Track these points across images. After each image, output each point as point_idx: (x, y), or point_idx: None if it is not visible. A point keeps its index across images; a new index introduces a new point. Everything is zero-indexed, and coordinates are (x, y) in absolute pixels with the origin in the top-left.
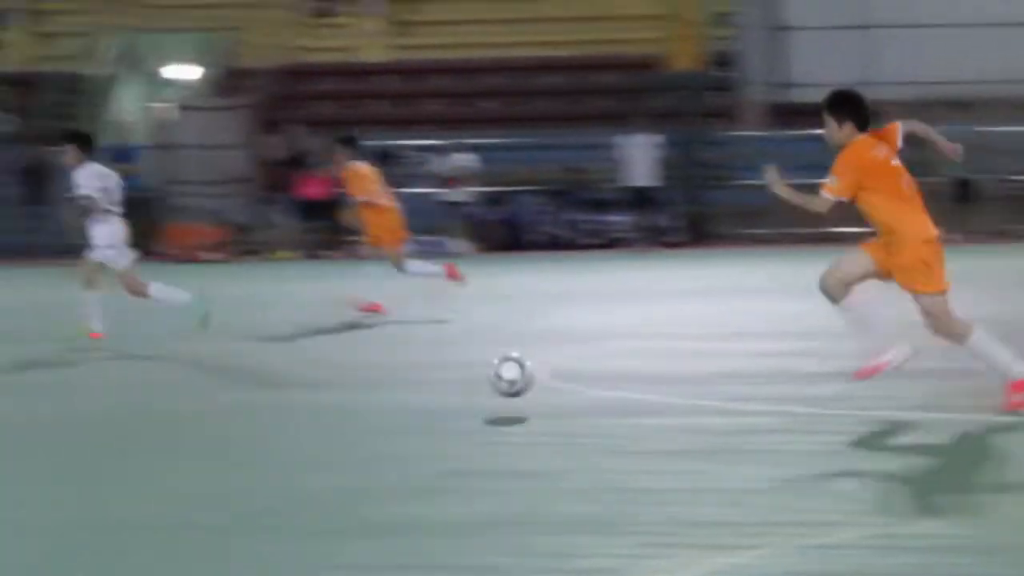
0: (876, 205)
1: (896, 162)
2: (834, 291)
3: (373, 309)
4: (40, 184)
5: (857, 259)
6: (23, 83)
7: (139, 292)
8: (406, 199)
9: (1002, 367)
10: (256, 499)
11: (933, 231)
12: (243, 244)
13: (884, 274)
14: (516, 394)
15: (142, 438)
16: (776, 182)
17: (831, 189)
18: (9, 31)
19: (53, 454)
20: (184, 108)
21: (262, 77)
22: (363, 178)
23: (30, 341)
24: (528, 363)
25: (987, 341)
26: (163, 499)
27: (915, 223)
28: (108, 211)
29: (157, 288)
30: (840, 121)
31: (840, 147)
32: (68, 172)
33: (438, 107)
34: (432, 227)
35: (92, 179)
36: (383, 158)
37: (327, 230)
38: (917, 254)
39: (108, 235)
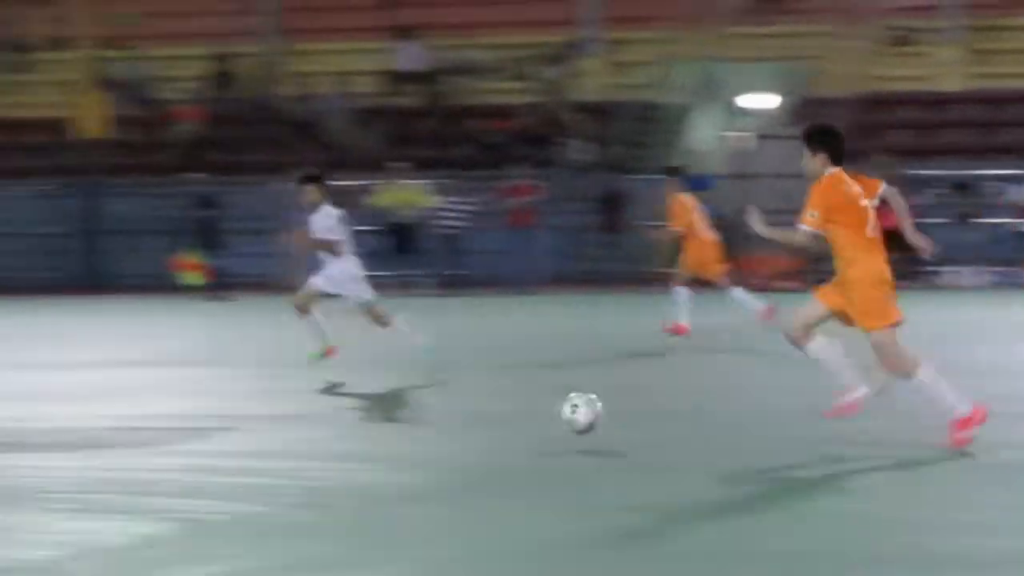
0: (839, 240)
1: (866, 203)
2: (796, 337)
3: (677, 331)
4: (615, 212)
5: (813, 305)
6: (600, 112)
7: (384, 323)
8: (983, 229)
9: (947, 404)
10: None
11: (887, 274)
12: (817, 273)
13: (840, 314)
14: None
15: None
16: (757, 222)
17: (808, 222)
18: (587, 60)
19: None
20: (761, 137)
21: (839, 106)
22: (685, 209)
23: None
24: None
25: (933, 379)
26: None
27: (870, 264)
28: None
29: (401, 320)
30: (814, 151)
31: (814, 179)
32: (306, 212)
33: (1017, 136)
34: (1009, 258)
35: (331, 220)
36: (960, 188)
37: (900, 260)
38: (867, 293)
39: (348, 271)
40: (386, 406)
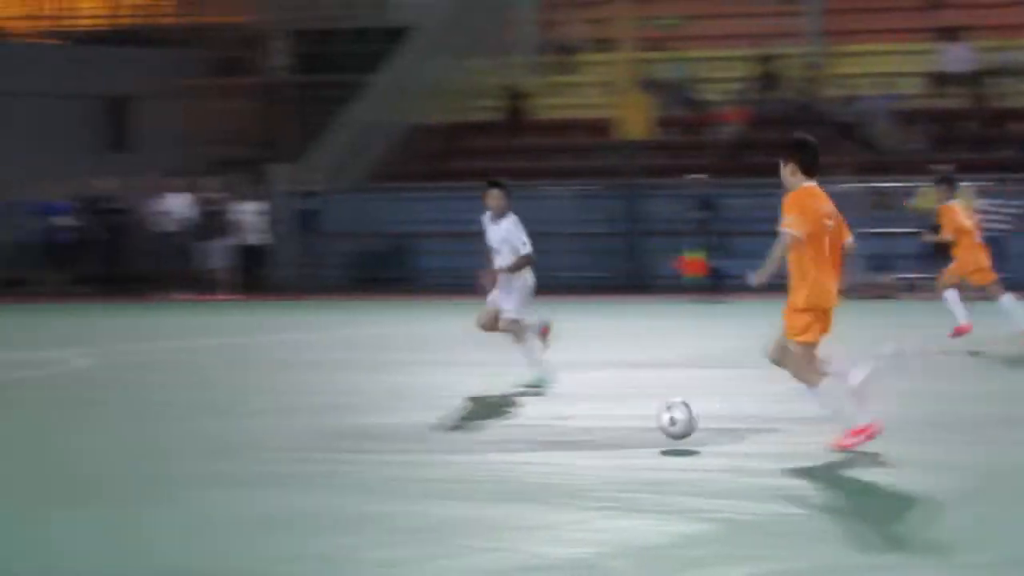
0: (798, 252)
1: (830, 224)
2: (777, 358)
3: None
4: None
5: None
6: None
7: (492, 328)
8: None
9: (846, 415)
10: None
11: (829, 301)
12: None
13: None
14: (680, 436)
15: None
16: (754, 278)
17: (789, 225)
18: None
19: None
20: None
21: None
22: (955, 216)
23: None
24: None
25: (835, 391)
26: None
27: (819, 284)
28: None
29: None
30: (785, 162)
31: (788, 188)
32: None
33: None
34: None
35: (512, 230)
36: None
37: None
38: (801, 309)
39: (526, 288)
40: (934, 409)
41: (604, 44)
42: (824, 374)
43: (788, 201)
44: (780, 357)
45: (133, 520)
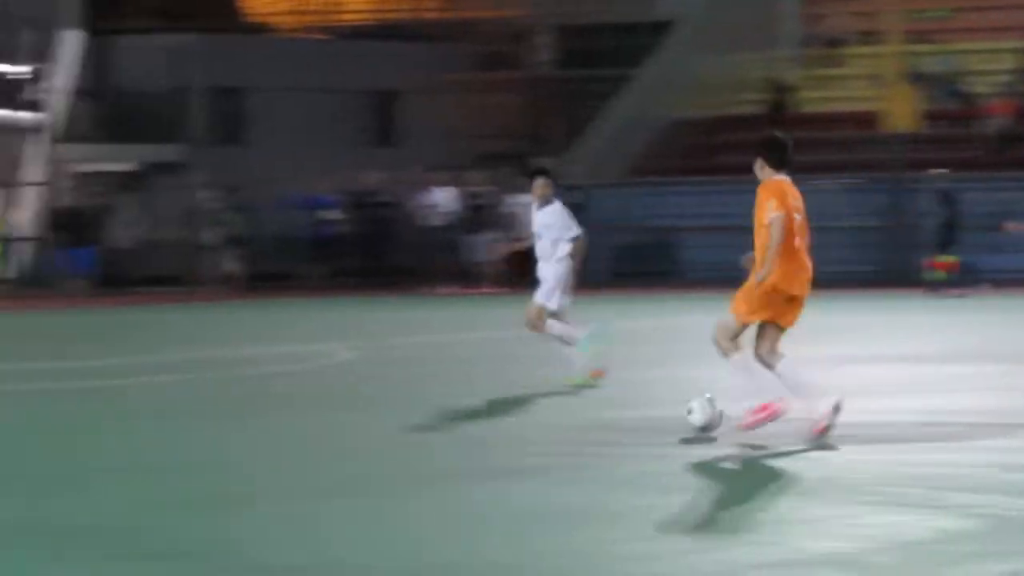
0: (766, 240)
1: (799, 217)
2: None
3: None
4: None
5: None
6: None
7: (540, 330)
8: None
9: (752, 390)
10: None
11: (789, 285)
12: None
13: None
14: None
15: None
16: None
17: (775, 209)
18: None
19: None
20: None
21: None
22: None
23: None
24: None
25: (746, 364)
26: None
27: (784, 272)
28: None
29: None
30: (756, 158)
31: (761, 182)
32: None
33: None
34: None
35: (557, 217)
36: None
37: None
38: (757, 290)
39: (562, 276)
40: None
41: (870, 37)
42: (739, 348)
43: (765, 190)
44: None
45: (399, 513)
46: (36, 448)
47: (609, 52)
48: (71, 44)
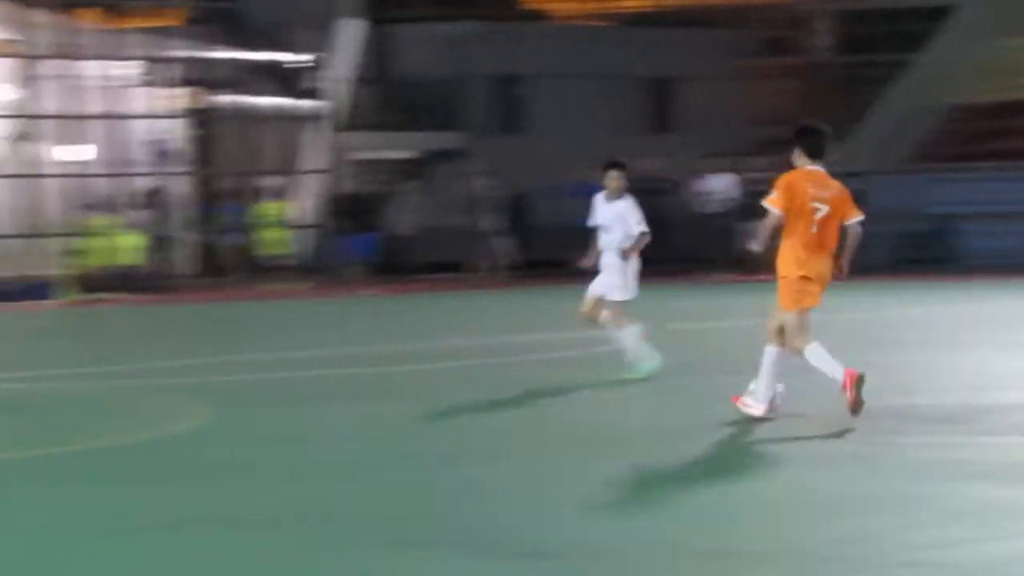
0: (786, 230)
1: (818, 206)
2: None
3: None
4: None
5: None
6: None
7: (599, 324)
8: None
9: (831, 374)
10: None
11: (813, 270)
12: None
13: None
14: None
15: None
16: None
17: (770, 201)
18: None
19: None
20: None
21: None
22: None
23: None
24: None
25: (820, 353)
26: None
27: (802, 263)
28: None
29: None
30: (793, 146)
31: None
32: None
33: None
34: None
35: (629, 211)
36: None
37: None
38: (787, 281)
39: (628, 269)
40: None
41: None
42: (808, 343)
43: (780, 179)
44: (776, 329)
45: (697, 499)
46: (315, 437)
47: (888, 37)
48: (352, 33)
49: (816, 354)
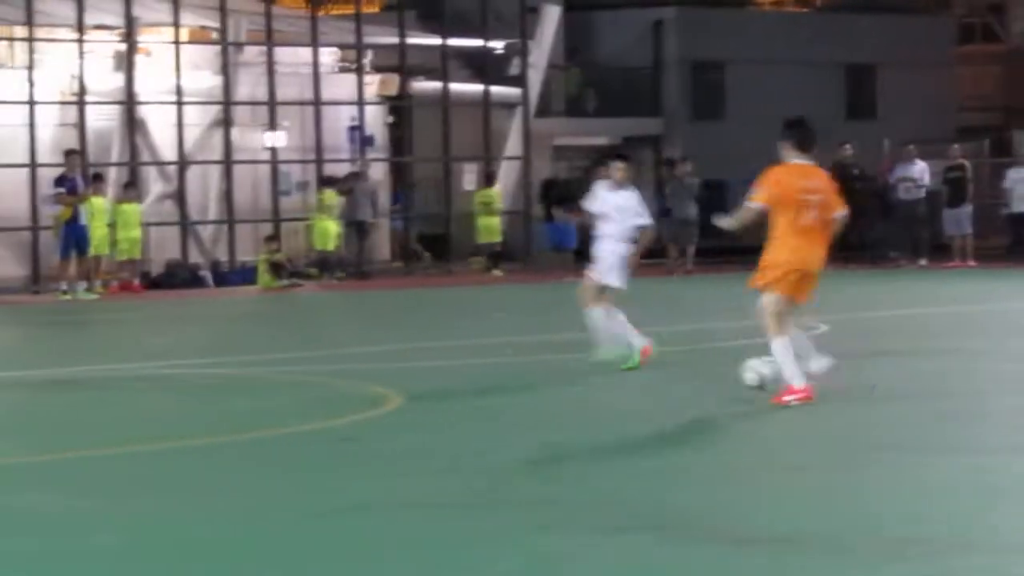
0: (776, 222)
1: (809, 198)
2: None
3: None
4: None
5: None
6: None
7: (597, 303)
8: None
9: (786, 375)
10: None
11: (807, 264)
12: None
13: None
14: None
15: None
16: (724, 221)
17: (753, 198)
18: None
19: None
20: None
21: None
22: None
23: None
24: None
25: (785, 350)
26: None
27: (798, 248)
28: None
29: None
30: (782, 139)
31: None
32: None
33: None
34: None
35: (630, 202)
36: None
37: None
38: (774, 264)
39: (625, 257)
40: None
41: None
42: (783, 331)
43: (767, 174)
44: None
45: (853, 485)
46: (509, 423)
47: None
48: (549, 19)
49: (783, 349)
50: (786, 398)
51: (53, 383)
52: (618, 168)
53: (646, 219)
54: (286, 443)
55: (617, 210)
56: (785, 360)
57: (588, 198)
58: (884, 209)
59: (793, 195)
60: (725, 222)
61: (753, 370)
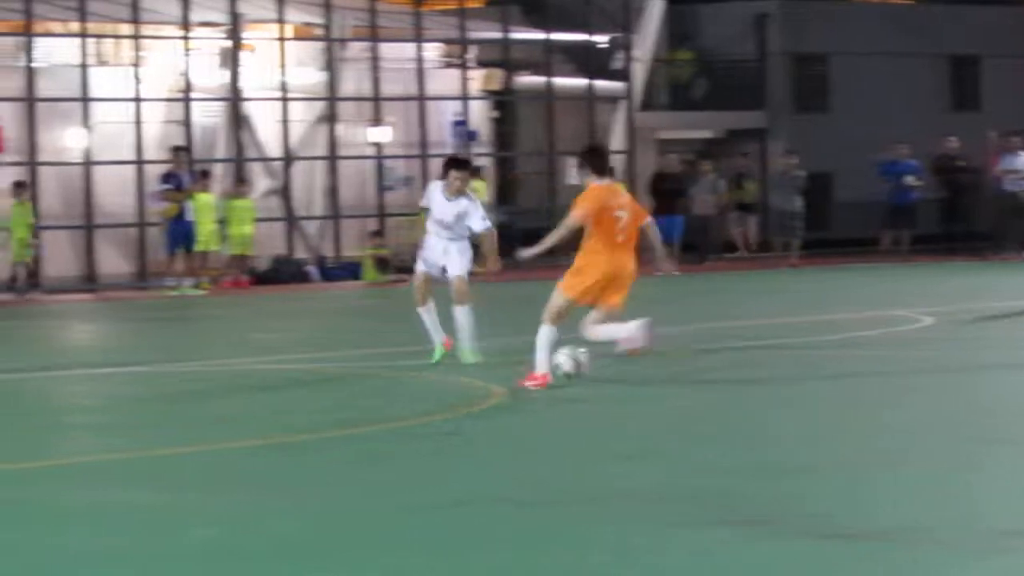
0: (591, 237)
1: (620, 215)
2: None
3: None
4: None
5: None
6: None
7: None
8: None
9: (537, 360)
10: None
11: (615, 269)
12: None
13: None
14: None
15: None
16: (526, 254)
17: (574, 215)
18: None
19: None
20: None
21: None
22: None
23: None
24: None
25: (547, 338)
26: None
27: (608, 258)
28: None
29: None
30: (581, 167)
31: (584, 188)
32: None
33: None
34: None
35: (480, 208)
36: None
37: None
38: (585, 273)
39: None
40: None
41: None
42: (560, 319)
43: (582, 195)
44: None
45: (953, 479)
46: (621, 415)
47: None
48: (653, 12)
49: (546, 338)
50: (528, 383)
51: (156, 378)
52: (454, 176)
53: (485, 224)
54: (389, 438)
55: (455, 218)
56: (542, 348)
57: (424, 198)
58: (988, 200)
59: (607, 211)
60: (527, 253)
61: (567, 356)
